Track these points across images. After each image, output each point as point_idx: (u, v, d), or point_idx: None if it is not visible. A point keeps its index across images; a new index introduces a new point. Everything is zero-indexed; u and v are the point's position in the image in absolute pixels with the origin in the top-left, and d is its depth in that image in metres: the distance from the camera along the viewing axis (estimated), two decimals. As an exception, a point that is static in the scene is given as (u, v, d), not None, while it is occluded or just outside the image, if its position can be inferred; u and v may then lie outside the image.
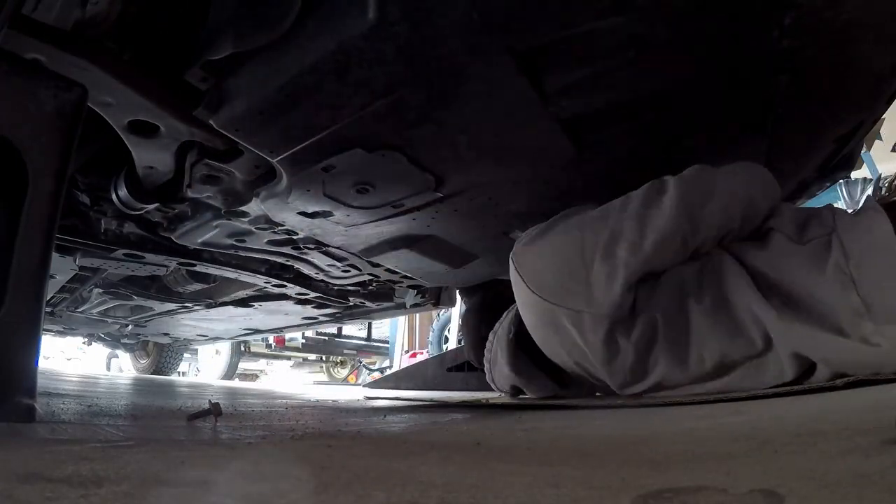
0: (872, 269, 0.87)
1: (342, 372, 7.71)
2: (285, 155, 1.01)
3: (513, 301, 1.27)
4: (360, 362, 7.38)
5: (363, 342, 6.76)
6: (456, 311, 5.48)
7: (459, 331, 5.53)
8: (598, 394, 1.27)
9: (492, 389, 1.52)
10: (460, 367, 2.43)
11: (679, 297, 1.02)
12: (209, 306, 2.41)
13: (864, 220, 0.93)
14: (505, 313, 1.38)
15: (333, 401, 1.95)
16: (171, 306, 2.43)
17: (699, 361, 0.99)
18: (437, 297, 2.24)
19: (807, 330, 0.89)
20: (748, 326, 0.95)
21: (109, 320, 2.92)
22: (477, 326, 1.63)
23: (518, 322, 1.26)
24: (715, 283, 1.00)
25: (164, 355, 4.60)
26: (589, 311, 1.02)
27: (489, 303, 1.65)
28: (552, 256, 1.09)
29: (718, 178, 1.03)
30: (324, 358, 7.43)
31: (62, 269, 1.69)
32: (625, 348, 1.03)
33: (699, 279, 1.03)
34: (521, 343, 1.26)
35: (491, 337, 1.40)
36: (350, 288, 2.12)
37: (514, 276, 1.15)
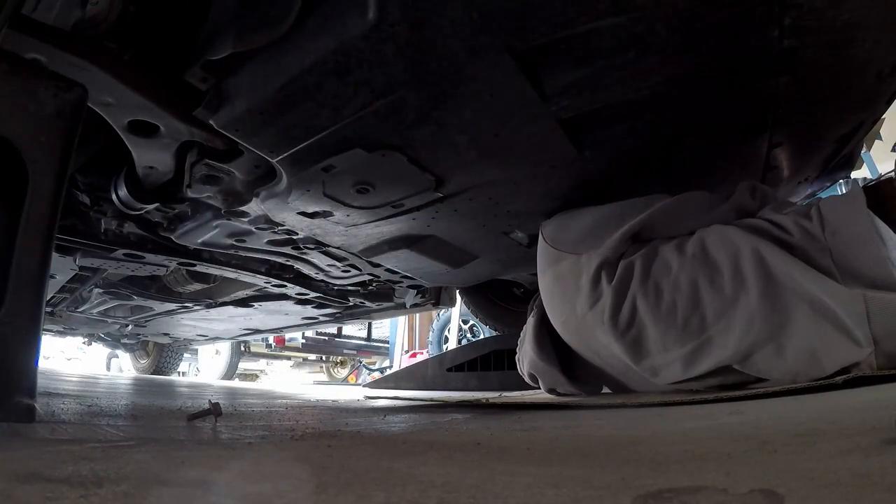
0: (845, 237, 0.93)
1: (342, 372, 7.70)
2: (285, 155, 1.01)
3: None
4: (360, 362, 7.38)
5: (363, 342, 6.75)
6: (456, 311, 5.48)
7: (460, 331, 5.54)
8: (603, 391, 1.29)
9: (491, 389, 1.52)
10: (460, 367, 2.43)
11: (662, 248, 1.13)
12: (209, 306, 2.41)
13: (845, 197, 1.00)
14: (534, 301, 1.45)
15: (333, 401, 1.95)
16: (171, 306, 2.43)
17: (671, 310, 1.04)
18: (437, 297, 2.24)
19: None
20: (722, 264, 1.02)
21: (109, 320, 2.92)
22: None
23: (542, 305, 1.37)
24: (698, 236, 1.09)
25: (164, 355, 4.60)
26: (588, 253, 1.17)
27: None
28: (584, 217, 1.26)
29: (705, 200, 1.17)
30: (324, 358, 7.43)
31: (62, 269, 1.69)
32: (606, 291, 1.14)
33: (685, 238, 1.12)
34: (545, 321, 1.37)
35: (519, 343, 1.48)
36: (350, 288, 2.12)
37: (539, 240, 1.31)
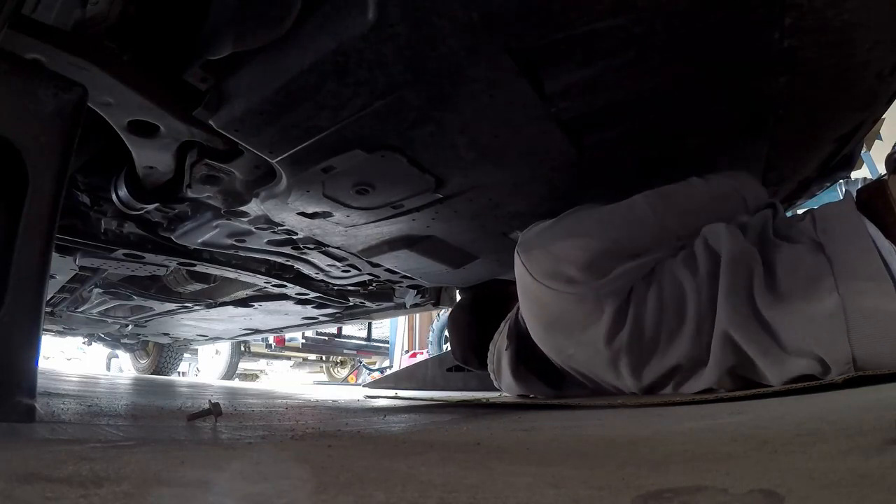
0: (836, 232, 0.95)
1: (342, 372, 7.71)
2: (285, 155, 1.01)
3: (502, 297, 1.37)
4: (360, 362, 7.38)
5: (363, 342, 6.76)
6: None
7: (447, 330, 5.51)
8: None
9: (492, 389, 1.52)
10: (460, 367, 2.43)
11: (673, 269, 1.10)
12: (209, 306, 2.42)
13: (837, 201, 1.03)
14: (503, 323, 1.39)
15: (333, 401, 1.95)
16: (171, 306, 2.43)
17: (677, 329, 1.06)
18: (437, 297, 2.24)
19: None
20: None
21: (109, 320, 2.92)
22: (469, 325, 1.62)
23: (517, 332, 1.31)
24: (700, 238, 1.09)
25: (164, 355, 4.60)
26: (597, 288, 1.10)
27: (480, 301, 1.65)
28: (573, 249, 1.15)
29: (688, 189, 1.14)
30: (324, 358, 7.43)
31: (62, 269, 1.69)
32: (627, 324, 1.10)
33: (690, 253, 1.10)
34: (521, 352, 1.31)
35: (492, 348, 1.42)
36: (350, 288, 2.12)
37: (520, 268, 1.20)
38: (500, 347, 1.37)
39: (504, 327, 1.37)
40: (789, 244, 0.99)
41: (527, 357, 1.30)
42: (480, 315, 1.58)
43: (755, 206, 1.13)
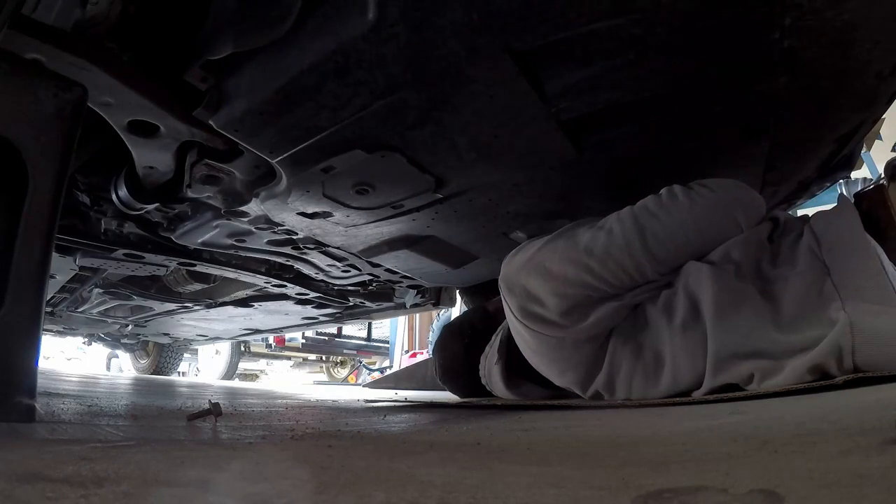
0: (842, 251, 0.91)
1: (342, 372, 7.71)
2: (285, 155, 1.01)
3: (487, 318, 1.43)
4: (360, 362, 7.39)
5: (363, 342, 6.76)
6: (456, 311, 5.48)
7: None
8: None
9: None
10: (460, 368, 2.42)
11: (649, 313, 1.07)
12: (209, 306, 2.42)
13: (836, 212, 0.98)
14: (494, 335, 1.39)
15: (333, 401, 1.95)
16: (171, 306, 2.43)
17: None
18: (437, 297, 2.24)
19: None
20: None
21: (109, 320, 2.92)
22: (458, 353, 1.55)
23: (507, 346, 1.31)
24: (682, 278, 1.04)
25: (164, 355, 4.60)
26: (576, 331, 1.09)
27: (466, 328, 1.61)
28: (552, 296, 1.11)
29: (670, 214, 1.05)
30: (324, 358, 7.44)
31: (62, 269, 1.69)
32: (603, 369, 1.10)
33: (671, 296, 1.05)
34: (512, 364, 1.32)
35: (483, 360, 1.42)
36: (350, 288, 2.12)
37: (504, 302, 1.22)
38: (490, 361, 1.36)
39: (495, 340, 1.36)
40: (793, 273, 0.94)
41: (519, 367, 1.29)
42: (466, 339, 1.54)
43: (753, 221, 1.07)
